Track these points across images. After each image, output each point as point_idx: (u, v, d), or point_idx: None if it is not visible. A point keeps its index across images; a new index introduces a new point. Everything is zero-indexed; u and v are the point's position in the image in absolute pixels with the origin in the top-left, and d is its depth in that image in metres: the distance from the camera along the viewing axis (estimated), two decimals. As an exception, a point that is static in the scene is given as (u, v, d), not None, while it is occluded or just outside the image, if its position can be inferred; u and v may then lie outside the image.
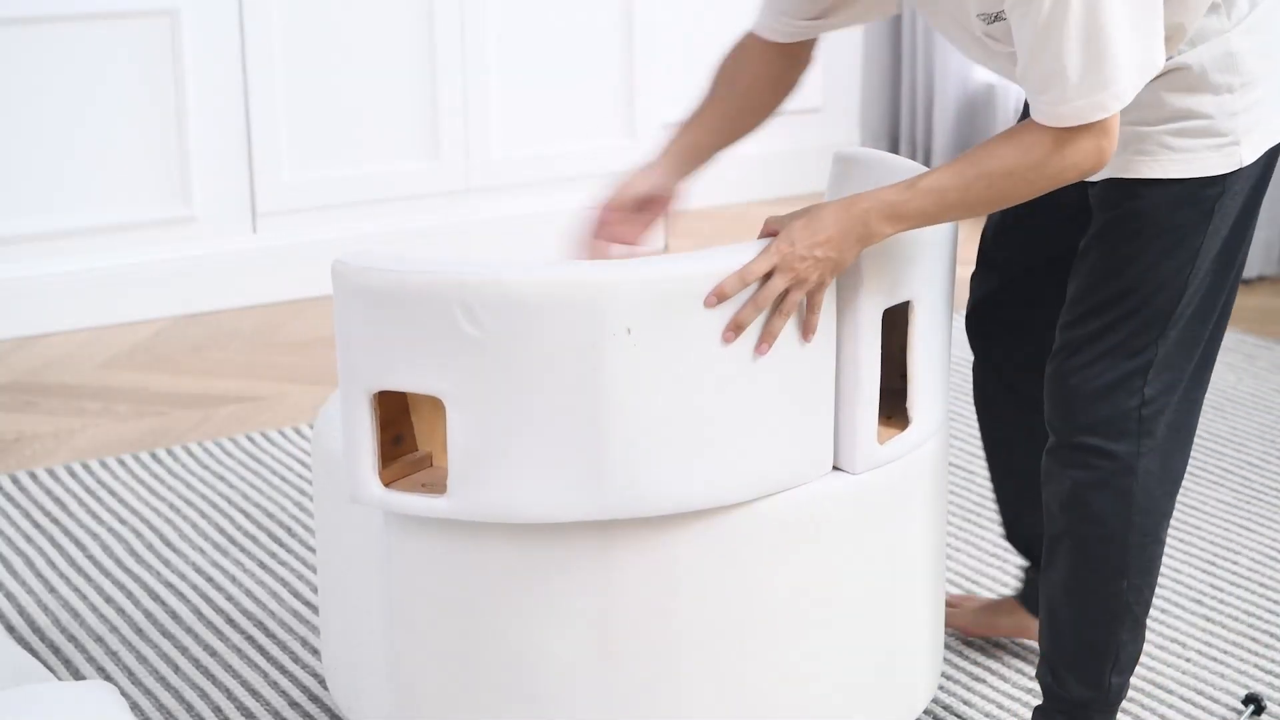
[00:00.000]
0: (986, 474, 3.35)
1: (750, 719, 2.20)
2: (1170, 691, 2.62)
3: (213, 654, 2.74)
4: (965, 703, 2.59)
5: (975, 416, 2.65)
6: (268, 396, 3.89)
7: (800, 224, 2.05)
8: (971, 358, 2.60)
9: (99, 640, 2.79)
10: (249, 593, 2.94)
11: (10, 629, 2.83)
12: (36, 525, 3.21)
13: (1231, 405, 3.77)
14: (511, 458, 2.05)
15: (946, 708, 2.57)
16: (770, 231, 2.10)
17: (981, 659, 2.70)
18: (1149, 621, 2.80)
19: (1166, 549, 3.05)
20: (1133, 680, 2.63)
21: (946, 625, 2.69)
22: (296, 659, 2.72)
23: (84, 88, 4.29)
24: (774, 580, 2.17)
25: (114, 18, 4.30)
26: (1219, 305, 2.24)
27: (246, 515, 3.25)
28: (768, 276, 2.03)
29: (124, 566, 3.04)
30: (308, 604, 2.89)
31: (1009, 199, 2.07)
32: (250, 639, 2.79)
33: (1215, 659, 2.71)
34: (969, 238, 4.92)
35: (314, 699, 2.61)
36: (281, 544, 3.13)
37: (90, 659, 2.73)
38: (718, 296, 2.01)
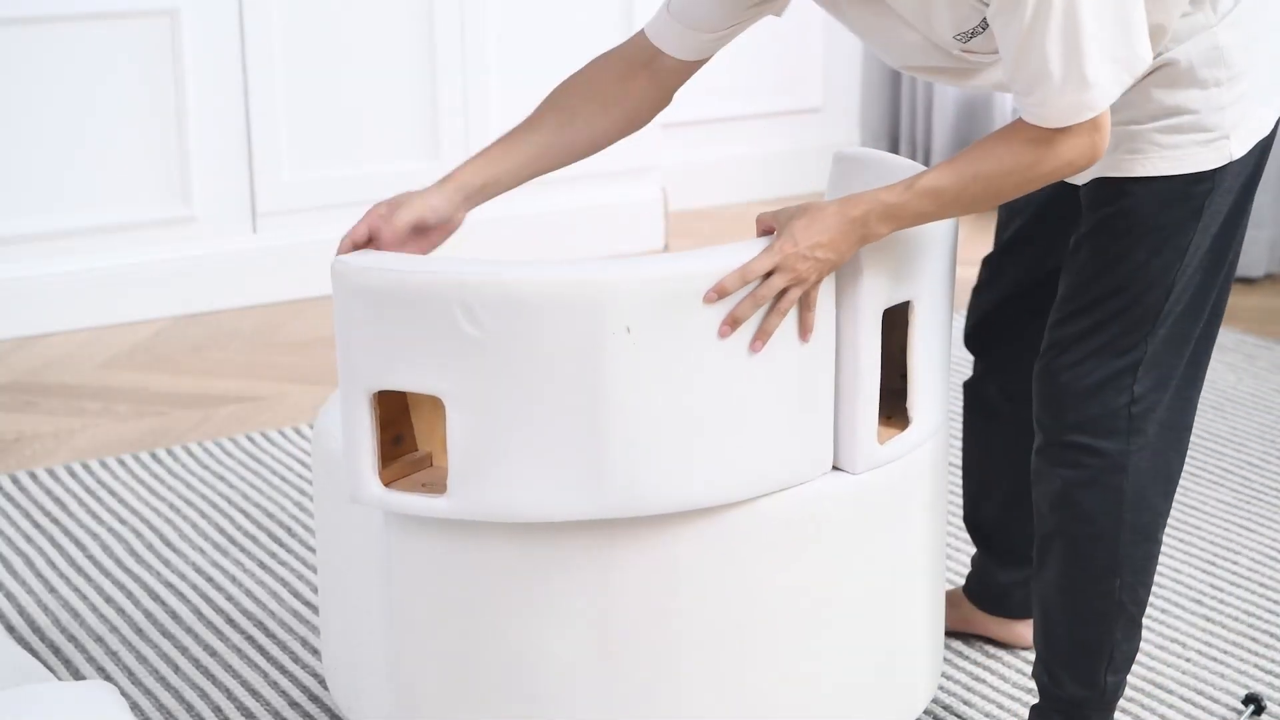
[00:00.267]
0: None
1: (750, 719, 2.20)
2: (1170, 691, 2.62)
3: (213, 654, 2.74)
4: (965, 703, 2.59)
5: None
6: (268, 396, 3.89)
7: (801, 224, 2.05)
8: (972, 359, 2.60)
9: (99, 640, 2.79)
10: (249, 593, 2.94)
11: (10, 629, 2.83)
12: (36, 525, 3.21)
13: (1231, 405, 3.77)
14: (511, 457, 2.05)
15: (946, 708, 2.57)
16: (766, 228, 2.10)
17: (981, 659, 2.70)
18: (1148, 621, 2.80)
19: (1167, 549, 3.05)
20: (1132, 680, 2.63)
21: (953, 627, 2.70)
22: (296, 659, 2.72)
23: (84, 88, 4.29)
24: (774, 580, 2.17)
25: (114, 18, 4.30)
26: (1210, 302, 2.24)
27: (246, 515, 3.25)
28: (769, 275, 2.04)
29: (124, 566, 3.04)
30: (308, 604, 2.89)
31: (1005, 196, 2.09)
32: (250, 639, 2.79)
33: (1215, 659, 2.71)
34: (969, 238, 4.91)
35: (314, 699, 2.61)
36: (281, 544, 3.13)
37: (90, 659, 2.73)
38: (718, 293, 2.02)
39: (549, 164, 2.32)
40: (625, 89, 2.30)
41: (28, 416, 3.78)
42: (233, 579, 2.99)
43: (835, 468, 2.21)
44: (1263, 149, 2.23)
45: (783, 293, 2.04)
